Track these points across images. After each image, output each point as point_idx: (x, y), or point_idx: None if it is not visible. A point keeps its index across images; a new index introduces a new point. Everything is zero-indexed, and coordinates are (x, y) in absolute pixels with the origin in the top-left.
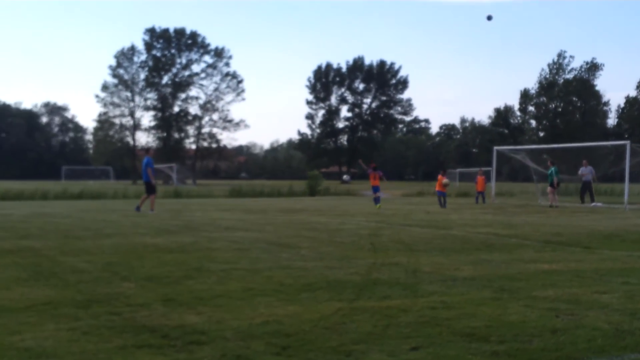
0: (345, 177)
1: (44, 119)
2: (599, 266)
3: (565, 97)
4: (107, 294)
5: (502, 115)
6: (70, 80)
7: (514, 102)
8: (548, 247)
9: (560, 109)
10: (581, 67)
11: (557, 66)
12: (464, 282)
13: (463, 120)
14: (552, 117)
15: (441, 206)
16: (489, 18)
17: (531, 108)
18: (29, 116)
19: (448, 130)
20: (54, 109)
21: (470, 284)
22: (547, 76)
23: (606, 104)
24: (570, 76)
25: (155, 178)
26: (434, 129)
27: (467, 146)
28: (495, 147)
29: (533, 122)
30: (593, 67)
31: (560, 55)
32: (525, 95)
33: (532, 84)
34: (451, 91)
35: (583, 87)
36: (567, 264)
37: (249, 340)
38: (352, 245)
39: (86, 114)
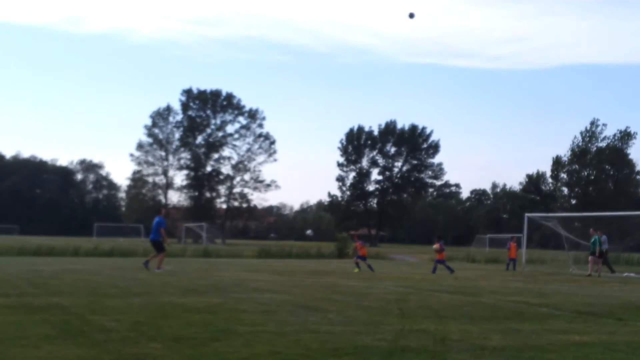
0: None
1: (79, 176)
2: (632, 339)
3: (597, 165)
4: (134, 355)
5: (534, 181)
6: (106, 138)
7: (546, 168)
8: (579, 317)
9: (592, 177)
10: (614, 135)
11: (590, 134)
12: (494, 352)
13: (494, 186)
14: (585, 185)
15: (433, 272)
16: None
17: (563, 175)
18: (64, 173)
19: (479, 195)
20: (89, 167)
21: (499, 354)
22: (580, 144)
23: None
24: (603, 144)
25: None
26: (465, 193)
27: (497, 212)
28: (527, 214)
29: (565, 190)
30: (626, 136)
31: (593, 123)
32: (557, 162)
33: (564, 151)
34: (483, 156)
35: (616, 156)
36: (599, 335)
37: None
38: (379, 310)
39: (120, 171)
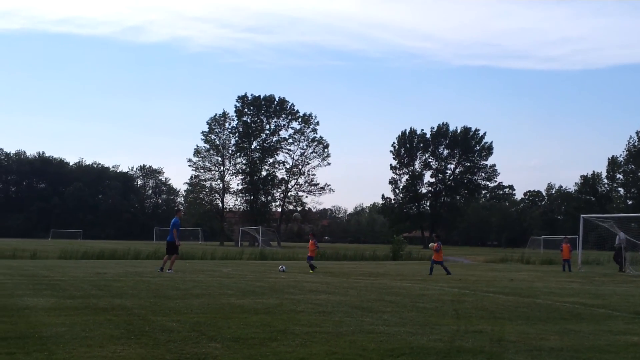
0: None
1: (139, 182)
2: None
3: None
4: (194, 354)
5: (589, 182)
6: (165, 145)
7: (602, 169)
8: (637, 318)
9: None
10: None
11: None
12: (551, 352)
13: (549, 187)
14: None
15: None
16: None
17: (619, 175)
18: (125, 179)
19: (533, 196)
20: (149, 172)
21: (557, 355)
22: (636, 143)
23: None
24: None
25: (179, 240)
26: (519, 195)
27: (552, 213)
28: (582, 215)
29: (621, 190)
30: None
31: None
32: (613, 163)
33: (620, 151)
34: (537, 158)
35: None
36: None
37: None
38: (434, 311)
39: (179, 177)
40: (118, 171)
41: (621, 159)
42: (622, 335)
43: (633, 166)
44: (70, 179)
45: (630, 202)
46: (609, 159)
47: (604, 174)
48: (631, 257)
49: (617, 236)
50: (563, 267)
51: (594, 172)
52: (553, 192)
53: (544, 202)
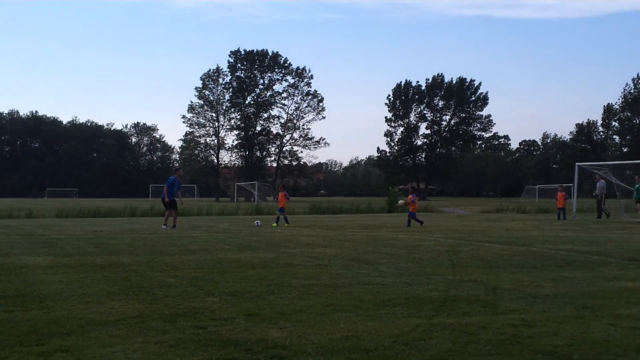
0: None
1: (134, 139)
2: None
3: None
4: (192, 308)
5: (585, 131)
6: (158, 101)
7: (597, 117)
8: (632, 264)
9: None
10: None
11: None
12: (545, 299)
13: (545, 136)
14: (637, 133)
15: (409, 225)
16: None
17: (615, 123)
18: (120, 136)
19: (528, 146)
20: (143, 130)
21: (551, 302)
22: (632, 91)
23: None
24: None
25: (174, 196)
26: (514, 145)
27: (547, 162)
28: (577, 163)
29: (616, 138)
30: None
31: None
32: (608, 111)
33: (615, 99)
34: (533, 107)
35: None
36: None
37: (329, 355)
38: (430, 262)
39: (173, 133)
40: (112, 129)
41: (617, 106)
42: (615, 281)
43: (629, 113)
44: (65, 137)
45: (625, 150)
46: (604, 106)
47: (600, 122)
48: (626, 204)
49: (597, 184)
50: (558, 215)
51: (589, 120)
52: (548, 141)
53: (539, 152)
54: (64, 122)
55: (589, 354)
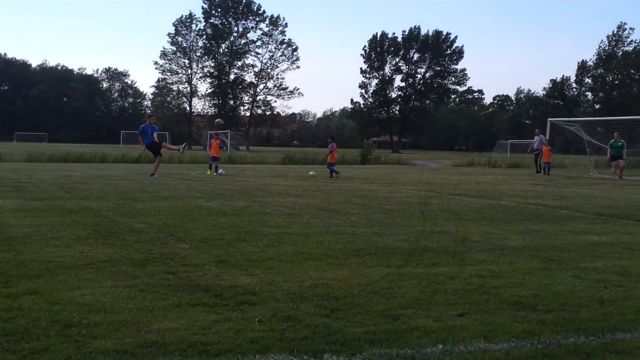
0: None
1: (105, 85)
2: None
3: (623, 70)
4: (163, 254)
5: (558, 86)
6: (130, 47)
7: (571, 73)
8: (599, 219)
9: (617, 82)
10: None
11: (617, 38)
12: (513, 251)
13: (519, 92)
14: (609, 90)
15: (331, 176)
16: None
17: (588, 80)
18: (90, 81)
19: (502, 101)
20: (115, 75)
21: (518, 254)
22: (606, 48)
23: None
24: (629, 48)
25: (150, 140)
26: (488, 99)
27: (520, 117)
28: (550, 119)
29: (589, 95)
30: None
31: (620, 27)
32: (582, 67)
33: (590, 56)
34: (507, 62)
35: None
36: (618, 236)
37: (298, 301)
38: (401, 213)
39: (145, 80)
40: (83, 74)
41: (591, 63)
42: (582, 235)
43: (602, 70)
44: (34, 81)
45: (597, 107)
46: (578, 63)
47: (573, 78)
48: (595, 160)
49: (538, 139)
50: (542, 170)
51: (563, 76)
52: (522, 96)
53: (512, 107)
54: (34, 66)
55: (553, 304)
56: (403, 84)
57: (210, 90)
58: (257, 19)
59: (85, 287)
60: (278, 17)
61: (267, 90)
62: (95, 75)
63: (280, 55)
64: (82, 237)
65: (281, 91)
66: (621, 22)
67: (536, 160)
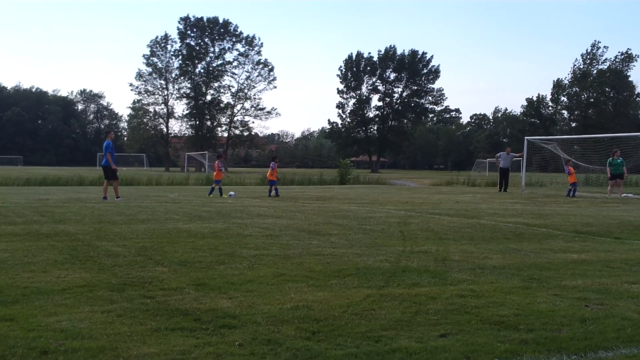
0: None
1: (80, 106)
2: (629, 256)
3: (598, 88)
4: (141, 278)
5: (534, 105)
6: (105, 68)
7: (547, 92)
8: (578, 237)
9: (592, 100)
10: (615, 57)
11: (591, 56)
12: (493, 270)
13: (496, 110)
14: (585, 108)
15: (269, 195)
16: None
17: (564, 98)
18: (65, 103)
19: (479, 119)
20: (90, 97)
21: (499, 273)
22: (581, 66)
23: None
24: (604, 67)
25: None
26: (465, 118)
27: (497, 136)
28: (527, 137)
29: (565, 113)
30: (627, 58)
31: (594, 45)
32: (558, 86)
33: (565, 74)
34: (484, 81)
35: (617, 78)
36: (597, 254)
37: (279, 324)
38: (381, 233)
39: (121, 101)
40: (58, 95)
41: (566, 81)
42: (562, 253)
43: (577, 89)
44: (8, 103)
45: (573, 124)
46: (554, 81)
47: (549, 97)
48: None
49: (508, 157)
50: (568, 192)
51: (539, 94)
52: (499, 115)
53: (489, 126)
54: (8, 88)
55: (535, 323)
56: (380, 104)
57: (187, 112)
58: (234, 40)
59: (62, 313)
60: (254, 37)
61: (244, 110)
62: (70, 97)
63: (257, 76)
64: (58, 261)
65: (258, 111)
66: (595, 41)
67: (501, 180)
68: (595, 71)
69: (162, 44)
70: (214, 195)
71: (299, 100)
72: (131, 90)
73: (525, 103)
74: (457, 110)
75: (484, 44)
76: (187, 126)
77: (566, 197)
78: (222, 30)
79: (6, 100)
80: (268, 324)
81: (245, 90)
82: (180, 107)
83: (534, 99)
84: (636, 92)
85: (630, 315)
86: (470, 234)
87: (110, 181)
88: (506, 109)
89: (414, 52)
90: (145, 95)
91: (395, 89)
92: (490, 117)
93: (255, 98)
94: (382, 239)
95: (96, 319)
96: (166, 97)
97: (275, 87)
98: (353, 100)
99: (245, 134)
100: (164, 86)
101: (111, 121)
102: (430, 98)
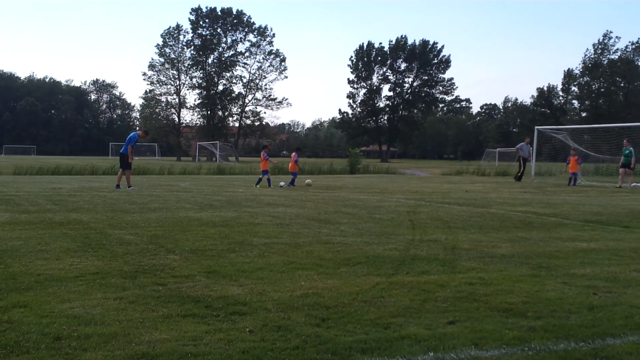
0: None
1: (93, 96)
2: (638, 245)
3: (609, 78)
4: (152, 266)
5: (545, 95)
6: (118, 58)
7: (557, 82)
8: (587, 226)
9: (603, 90)
10: (626, 47)
11: (602, 46)
12: (502, 259)
13: (506, 100)
14: (595, 98)
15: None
16: None
17: (574, 88)
18: (78, 93)
19: (489, 109)
20: (103, 87)
21: (508, 261)
22: (592, 56)
23: None
24: (615, 56)
25: (133, 156)
26: (475, 108)
27: (507, 126)
28: (537, 127)
29: (575, 103)
30: (639, 48)
31: (606, 35)
32: (568, 76)
33: (576, 64)
34: (494, 71)
35: (628, 68)
36: (606, 242)
37: (289, 311)
38: (390, 222)
39: (134, 91)
40: (71, 85)
41: (577, 71)
42: (571, 242)
43: (588, 78)
44: (22, 93)
45: (583, 114)
46: (565, 71)
47: (560, 87)
48: (583, 168)
49: (527, 147)
50: (569, 180)
51: (549, 84)
52: (509, 105)
53: (500, 116)
54: (22, 78)
55: (543, 311)
56: (391, 94)
57: (198, 101)
58: (247, 30)
59: (75, 300)
60: (265, 27)
61: (255, 100)
62: (83, 87)
63: (269, 66)
64: (71, 249)
65: (270, 102)
66: (607, 31)
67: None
68: (606, 61)
69: (175, 35)
70: (261, 185)
71: (310, 90)
72: (144, 80)
73: (535, 93)
74: (468, 100)
75: (495, 34)
76: (199, 116)
77: (567, 187)
78: (235, 21)
79: (20, 90)
80: (278, 310)
81: (257, 81)
82: (192, 97)
83: (545, 88)
84: None
85: (638, 303)
86: (480, 222)
87: (124, 170)
88: (516, 99)
89: (424, 42)
90: (158, 85)
91: (406, 79)
92: (501, 107)
93: (266, 88)
94: (392, 228)
95: (109, 305)
96: (178, 87)
97: (286, 77)
98: (364, 90)
99: (257, 124)
100: (176, 76)
101: (124, 111)
102: (440, 88)
